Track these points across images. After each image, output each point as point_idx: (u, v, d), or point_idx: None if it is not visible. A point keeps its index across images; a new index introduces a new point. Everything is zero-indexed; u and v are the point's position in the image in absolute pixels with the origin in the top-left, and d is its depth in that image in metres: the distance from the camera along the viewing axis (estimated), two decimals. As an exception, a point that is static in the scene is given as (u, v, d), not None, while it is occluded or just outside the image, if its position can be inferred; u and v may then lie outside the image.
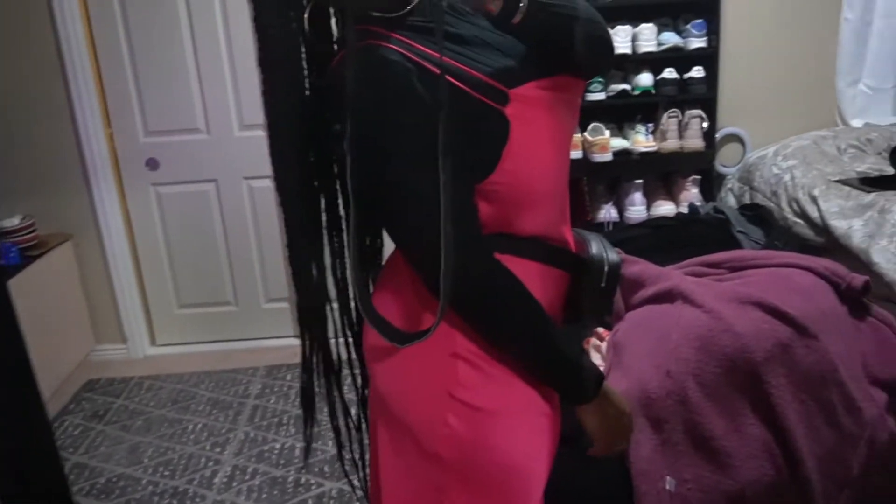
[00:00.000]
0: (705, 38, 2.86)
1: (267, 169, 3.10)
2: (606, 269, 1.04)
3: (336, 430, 1.17)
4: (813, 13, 3.05)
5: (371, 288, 1.11)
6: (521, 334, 0.96)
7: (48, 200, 3.06)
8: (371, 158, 0.89)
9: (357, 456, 1.23)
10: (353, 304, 1.13)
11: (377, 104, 0.88)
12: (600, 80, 2.88)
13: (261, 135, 3.08)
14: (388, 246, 1.06)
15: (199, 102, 3.09)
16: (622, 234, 2.56)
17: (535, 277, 0.97)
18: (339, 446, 1.19)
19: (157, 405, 2.88)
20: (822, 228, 2.32)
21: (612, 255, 1.06)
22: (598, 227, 2.90)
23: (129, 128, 3.10)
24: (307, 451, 1.23)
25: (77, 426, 2.75)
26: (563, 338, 0.97)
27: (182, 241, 3.27)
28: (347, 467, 1.22)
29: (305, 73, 0.95)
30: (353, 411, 1.22)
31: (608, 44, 1.01)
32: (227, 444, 2.57)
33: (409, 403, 0.99)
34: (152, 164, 3.14)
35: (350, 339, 1.16)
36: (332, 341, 1.13)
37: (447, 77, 0.87)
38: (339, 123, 0.91)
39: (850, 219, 2.21)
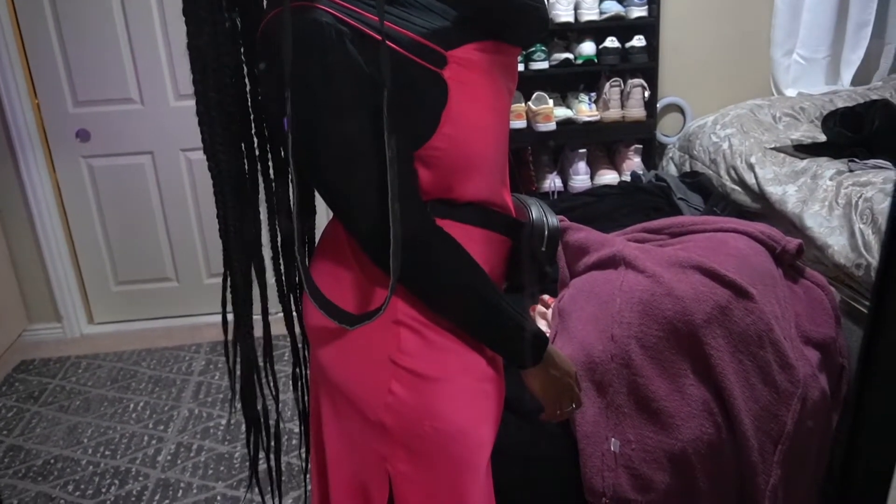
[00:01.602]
0: (646, 7, 2.88)
1: (205, 139, 2.93)
2: (546, 232, 1.04)
3: (267, 430, 1.16)
4: (750, -17, 3.10)
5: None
6: (464, 299, 0.95)
7: (-29, 174, 2.92)
8: (309, 126, 0.86)
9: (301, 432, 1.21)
10: (291, 285, 1.12)
11: (309, 68, 0.84)
12: (543, 48, 2.88)
13: (198, 104, 3.00)
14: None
15: (131, 71, 2.97)
16: (567, 203, 2.58)
17: (476, 242, 0.97)
18: (267, 448, 1.18)
19: (96, 384, 2.79)
20: (759, 195, 2.38)
21: (552, 218, 1.06)
22: (544, 196, 2.92)
23: (57, 97, 2.96)
24: (253, 457, 1.19)
25: (10, 408, 2.65)
26: (507, 301, 0.97)
27: (118, 215, 3.15)
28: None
29: (233, 54, 0.93)
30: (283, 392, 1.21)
31: (542, 14, 1.00)
32: (171, 421, 2.52)
33: (352, 373, 0.98)
34: (83, 135, 3.01)
35: (295, 317, 1.15)
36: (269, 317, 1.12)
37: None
38: (266, 91, 0.90)
39: (784, 185, 2.27)
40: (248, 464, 2.24)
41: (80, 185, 3.09)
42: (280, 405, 1.22)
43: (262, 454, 1.17)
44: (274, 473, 1.20)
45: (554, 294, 1.85)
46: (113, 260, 3.22)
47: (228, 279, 1.04)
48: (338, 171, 0.90)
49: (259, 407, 1.12)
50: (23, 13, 2.85)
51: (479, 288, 0.95)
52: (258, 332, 1.11)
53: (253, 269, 1.04)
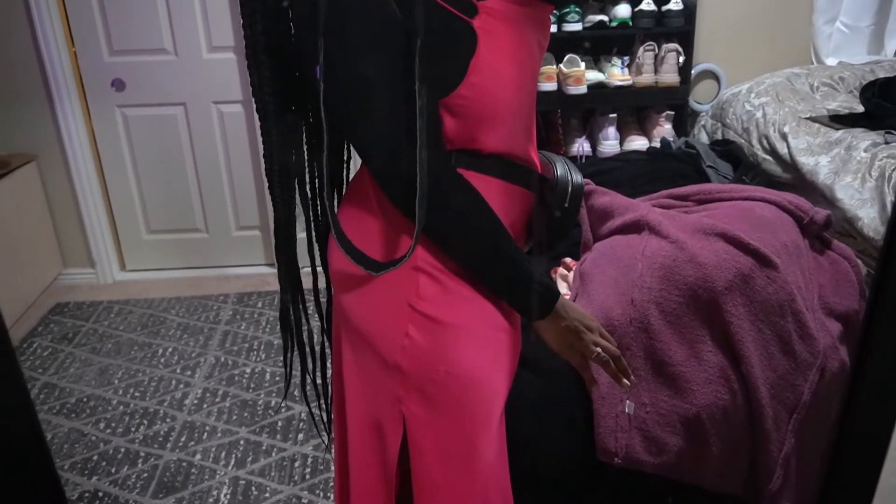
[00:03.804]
0: (685, -31, 2.82)
1: (236, 93, 3.06)
2: (570, 189, 1.05)
3: (303, 352, 1.18)
4: (795, -52, 3.01)
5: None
6: (479, 248, 0.97)
7: (10, 120, 2.98)
8: (340, 68, 0.88)
9: (319, 380, 1.24)
10: (320, 230, 1.14)
11: (342, 8, 0.86)
12: (577, 9, 2.84)
13: (231, 57, 3.01)
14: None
15: (165, 22, 2.99)
16: (594, 167, 2.57)
17: (498, 194, 0.98)
18: (304, 368, 1.20)
19: (127, 329, 2.88)
20: (790, 165, 2.35)
21: (577, 176, 1.06)
22: (572, 160, 2.90)
23: (93, 47, 3.00)
24: (288, 376, 1.22)
25: (46, 348, 2.75)
26: (521, 254, 0.98)
27: (150, 165, 3.21)
28: (310, 389, 1.23)
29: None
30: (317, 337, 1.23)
31: None
32: (198, 367, 2.60)
33: (371, 316, 1.00)
34: (118, 84, 3.05)
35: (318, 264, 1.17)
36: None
37: None
38: (301, 32, 0.91)
39: (817, 155, 2.24)
40: (270, 411, 2.31)
41: (115, 134, 3.14)
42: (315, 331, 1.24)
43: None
44: (320, 388, 1.24)
45: (576, 257, 1.85)
46: (145, 209, 3.29)
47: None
48: (362, 112, 0.92)
49: (304, 329, 1.16)
50: (60, -40, 2.88)
51: (493, 238, 0.96)
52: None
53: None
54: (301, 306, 1.14)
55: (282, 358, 1.18)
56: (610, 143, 2.97)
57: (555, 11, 2.67)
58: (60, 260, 3.25)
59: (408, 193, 0.89)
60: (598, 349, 1.04)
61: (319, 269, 1.15)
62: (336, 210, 1.09)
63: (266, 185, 1.05)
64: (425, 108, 0.86)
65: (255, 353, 2.67)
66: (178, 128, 3.15)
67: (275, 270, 3.26)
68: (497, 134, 0.97)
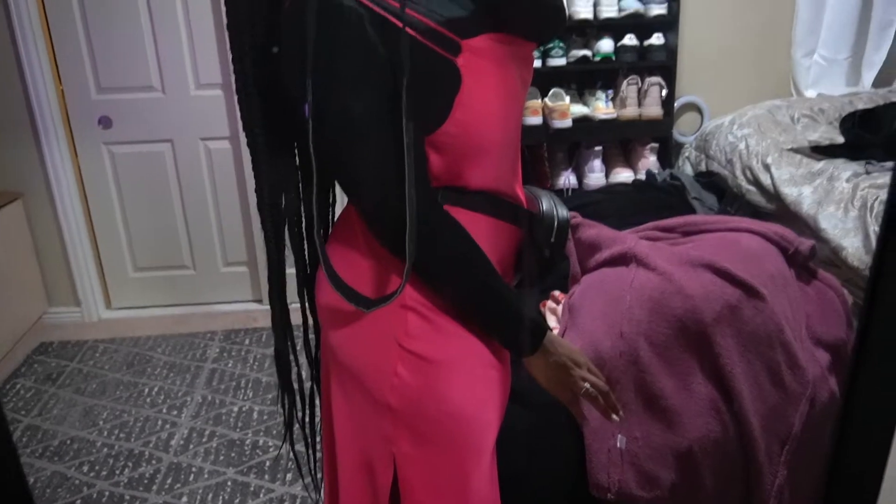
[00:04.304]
0: (665, 5, 2.87)
1: (223, 130, 3.07)
2: (556, 224, 1.05)
3: (291, 393, 1.16)
4: (772, -17, 3.08)
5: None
6: (465, 285, 0.97)
7: (-4, 158, 2.97)
8: (325, 106, 0.89)
9: (308, 418, 1.23)
10: (308, 266, 1.13)
11: (327, 48, 0.87)
12: (561, 45, 2.88)
13: (218, 94, 3.03)
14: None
15: (153, 59, 3.00)
16: (580, 200, 2.59)
17: (484, 230, 0.98)
18: (292, 407, 1.18)
19: (113, 368, 2.84)
20: (774, 195, 2.38)
21: (562, 210, 1.07)
22: (558, 193, 2.92)
23: (81, 84, 3.01)
24: (289, 414, 1.20)
25: (29, 389, 2.71)
26: (508, 290, 0.98)
27: (137, 202, 3.20)
28: (299, 428, 1.21)
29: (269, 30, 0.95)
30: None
31: (559, 12, 1.01)
32: (184, 407, 2.56)
33: (360, 354, 1.00)
34: (105, 121, 3.05)
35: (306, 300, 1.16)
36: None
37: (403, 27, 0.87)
38: (289, 71, 0.92)
39: (800, 186, 2.26)
40: (258, 451, 2.27)
41: (101, 171, 3.14)
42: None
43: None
44: (308, 431, 1.22)
45: (565, 290, 1.86)
46: (131, 246, 3.27)
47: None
48: (348, 151, 0.92)
49: (293, 372, 1.14)
50: (50, 1, 2.89)
51: (481, 275, 0.96)
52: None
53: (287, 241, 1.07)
54: (291, 345, 1.13)
55: (270, 396, 1.16)
56: (596, 175, 3.00)
57: (539, 47, 2.71)
58: (45, 298, 3.21)
59: (394, 232, 0.89)
60: (587, 384, 1.04)
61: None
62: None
63: (255, 219, 1.05)
64: (413, 144, 0.87)
65: (243, 391, 2.64)
66: (166, 164, 3.15)
67: (262, 307, 3.26)
68: (482, 170, 0.98)
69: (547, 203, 1.07)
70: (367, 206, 0.95)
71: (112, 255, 3.27)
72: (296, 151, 1.06)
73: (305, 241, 1.11)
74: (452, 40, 0.90)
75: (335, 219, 1.13)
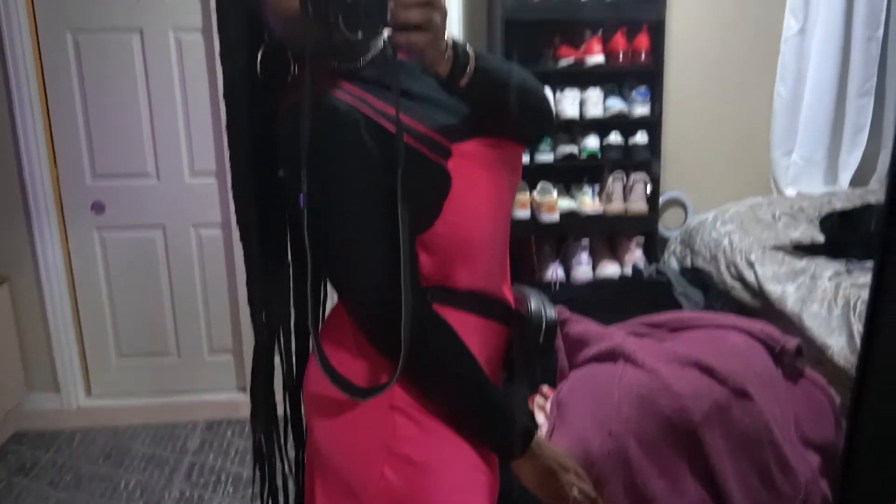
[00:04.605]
0: (648, 106, 2.99)
1: (215, 217, 3.09)
2: (544, 325, 1.06)
3: (274, 491, 1.14)
4: (749, 87, 3.22)
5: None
6: (453, 387, 0.97)
7: (-15, 240, 2.97)
8: (319, 207, 0.90)
9: None
10: (294, 357, 1.13)
11: (324, 153, 0.90)
12: (548, 142, 2.97)
13: (212, 182, 3.07)
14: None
15: (149, 146, 3.06)
16: (568, 294, 2.61)
17: (473, 330, 0.99)
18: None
19: (89, 460, 2.76)
20: (759, 292, 2.41)
21: (551, 311, 1.08)
22: (546, 286, 2.95)
23: (76, 169, 3.04)
24: None
25: (0, 481, 2.61)
26: (496, 392, 0.98)
27: (125, 287, 3.19)
28: None
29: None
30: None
31: (546, 116, 1.05)
32: (161, 502, 2.47)
33: (347, 456, 0.99)
34: (98, 207, 3.07)
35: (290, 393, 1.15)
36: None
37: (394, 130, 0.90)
38: (284, 169, 0.94)
39: (784, 283, 2.30)
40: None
41: (91, 256, 3.14)
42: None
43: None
44: None
45: (553, 385, 1.84)
46: (116, 332, 3.23)
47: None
48: (342, 250, 0.94)
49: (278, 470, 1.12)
50: (51, 86, 2.96)
51: (468, 377, 0.96)
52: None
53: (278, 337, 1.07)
54: (277, 443, 1.11)
55: (250, 492, 1.14)
56: (583, 268, 3.03)
57: (527, 150, 2.79)
58: (24, 384, 3.14)
59: (385, 330, 0.90)
60: (575, 490, 1.02)
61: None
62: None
63: (242, 306, 1.06)
64: (407, 237, 0.89)
65: (223, 485, 2.56)
66: (156, 249, 3.16)
67: (245, 396, 3.19)
68: (471, 270, 0.99)
69: (535, 303, 1.08)
70: (357, 307, 0.96)
71: (96, 340, 3.22)
72: (289, 247, 1.08)
73: (293, 337, 1.11)
74: (443, 145, 0.94)
75: (325, 317, 1.13)
